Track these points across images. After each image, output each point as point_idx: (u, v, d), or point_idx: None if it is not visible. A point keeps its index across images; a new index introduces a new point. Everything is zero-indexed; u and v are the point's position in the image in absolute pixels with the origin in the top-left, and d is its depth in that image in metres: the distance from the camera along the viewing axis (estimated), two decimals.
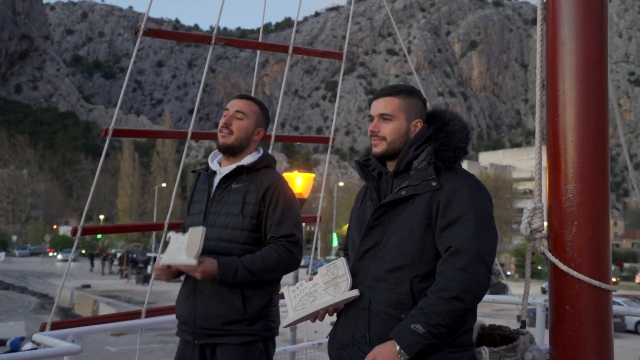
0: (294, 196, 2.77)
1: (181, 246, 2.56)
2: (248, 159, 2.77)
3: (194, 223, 2.74)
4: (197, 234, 2.50)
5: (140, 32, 4.09)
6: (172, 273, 2.65)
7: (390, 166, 2.25)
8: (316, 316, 2.23)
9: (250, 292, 2.62)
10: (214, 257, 2.55)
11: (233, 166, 2.74)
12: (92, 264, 51.09)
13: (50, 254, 71.87)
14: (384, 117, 2.24)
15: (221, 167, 2.80)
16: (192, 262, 2.48)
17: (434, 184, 2.10)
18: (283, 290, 2.29)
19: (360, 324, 2.12)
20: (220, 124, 2.78)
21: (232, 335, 2.60)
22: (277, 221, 2.65)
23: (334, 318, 2.28)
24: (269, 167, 2.79)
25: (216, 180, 2.78)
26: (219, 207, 2.71)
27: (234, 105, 2.80)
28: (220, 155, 2.85)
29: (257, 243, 2.68)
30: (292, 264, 2.68)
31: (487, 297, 3.94)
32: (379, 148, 2.23)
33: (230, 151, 2.77)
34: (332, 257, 57.14)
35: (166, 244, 2.75)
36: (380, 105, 2.25)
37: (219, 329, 2.60)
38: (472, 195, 2.08)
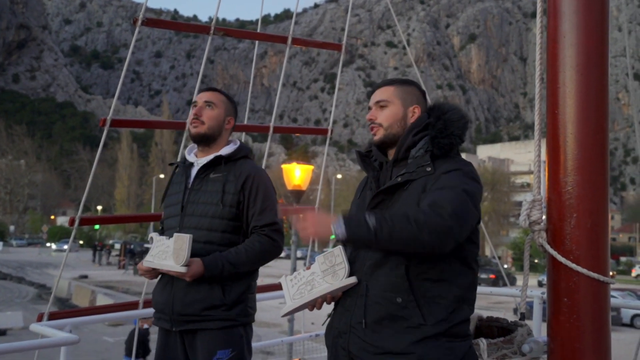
0: (272, 186, 2.84)
1: (166, 250, 2.63)
2: (226, 150, 2.82)
3: (172, 214, 2.82)
4: (183, 241, 2.55)
5: (139, 22, 4.06)
6: (156, 272, 2.74)
7: (391, 155, 2.27)
8: (314, 305, 2.23)
9: (229, 279, 2.69)
10: (199, 258, 2.61)
11: (211, 156, 2.79)
12: (95, 255, 50.92)
13: (48, 244, 71.85)
14: (380, 104, 2.28)
15: (198, 159, 2.85)
16: (181, 270, 2.55)
17: (429, 169, 2.12)
18: (280, 279, 2.30)
19: (357, 310, 2.12)
20: (191, 116, 2.84)
21: (211, 321, 2.64)
22: (258, 210, 2.72)
23: (331, 308, 2.28)
24: (246, 157, 2.85)
25: (194, 171, 2.83)
26: (197, 197, 2.75)
27: (202, 97, 2.86)
28: (197, 148, 2.90)
29: (236, 231, 2.74)
30: (275, 252, 2.77)
31: (485, 289, 3.94)
32: (377, 135, 2.27)
33: (204, 140, 2.82)
34: (329, 249, 56.85)
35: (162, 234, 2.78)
36: (377, 95, 2.30)
37: (198, 315, 2.65)
38: (462, 176, 2.10)
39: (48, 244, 71.52)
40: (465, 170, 2.13)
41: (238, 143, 2.90)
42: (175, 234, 2.61)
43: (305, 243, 1.96)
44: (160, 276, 2.80)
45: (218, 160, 2.78)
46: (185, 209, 2.76)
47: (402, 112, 2.25)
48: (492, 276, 38.78)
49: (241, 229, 2.75)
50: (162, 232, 2.88)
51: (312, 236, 2.04)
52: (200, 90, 2.93)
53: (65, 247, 61.43)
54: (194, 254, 2.61)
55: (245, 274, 2.73)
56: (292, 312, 2.26)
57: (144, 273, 2.76)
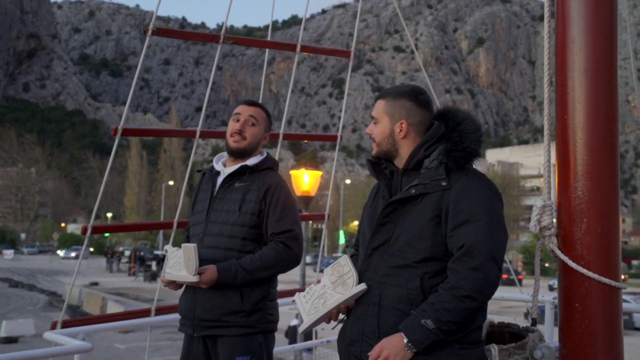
0: (294, 200, 2.91)
1: (179, 261, 2.71)
2: (252, 160, 2.89)
3: (197, 221, 2.89)
4: (190, 251, 2.63)
5: (149, 32, 4.09)
6: (179, 284, 2.79)
7: (399, 164, 2.27)
8: (330, 317, 2.25)
9: (248, 285, 2.73)
10: (213, 264, 2.68)
11: (237, 166, 2.86)
12: (108, 263, 50.83)
13: (59, 251, 72.12)
14: (373, 120, 2.33)
15: (225, 168, 2.92)
16: (194, 279, 2.64)
17: (444, 183, 2.11)
18: (294, 297, 2.34)
19: (370, 319, 2.13)
20: (233, 129, 2.88)
21: (230, 327, 2.69)
22: (277, 218, 2.77)
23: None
24: (271, 169, 2.92)
25: (219, 179, 2.90)
26: (221, 205, 2.83)
27: (247, 111, 2.91)
28: (225, 157, 2.97)
29: (257, 240, 2.79)
30: (292, 260, 2.78)
31: (496, 294, 3.92)
32: (373, 151, 2.32)
33: (242, 155, 2.89)
34: (339, 254, 56.99)
35: (174, 242, 2.82)
36: (373, 109, 2.34)
37: (218, 320, 2.70)
38: (482, 196, 2.09)
39: (59, 252, 71.80)
40: (483, 188, 2.12)
41: (265, 154, 2.97)
42: (183, 245, 2.68)
43: None
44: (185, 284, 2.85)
45: (243, 169, 2.85)
46: (209, 216, 2.84)
47: (389, 129, 2.26)
48: (520, 277, 40.60)
49: (262, 238, 2.80)
50: (187, 239, 2.96)
51: None
52: (243, 102, 2.97)
53: (73, 254, 61.69)
54: (215, 259, 2.70)
55: (263, 280, 2.76)
56: (309, 328, 2.29)
57: (167, 285, 2.82)
